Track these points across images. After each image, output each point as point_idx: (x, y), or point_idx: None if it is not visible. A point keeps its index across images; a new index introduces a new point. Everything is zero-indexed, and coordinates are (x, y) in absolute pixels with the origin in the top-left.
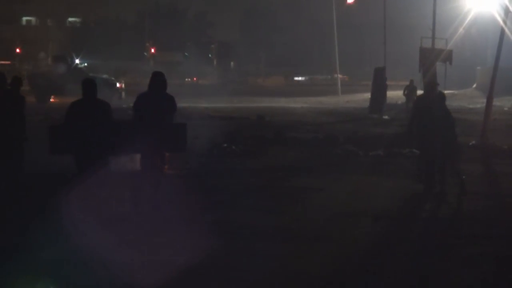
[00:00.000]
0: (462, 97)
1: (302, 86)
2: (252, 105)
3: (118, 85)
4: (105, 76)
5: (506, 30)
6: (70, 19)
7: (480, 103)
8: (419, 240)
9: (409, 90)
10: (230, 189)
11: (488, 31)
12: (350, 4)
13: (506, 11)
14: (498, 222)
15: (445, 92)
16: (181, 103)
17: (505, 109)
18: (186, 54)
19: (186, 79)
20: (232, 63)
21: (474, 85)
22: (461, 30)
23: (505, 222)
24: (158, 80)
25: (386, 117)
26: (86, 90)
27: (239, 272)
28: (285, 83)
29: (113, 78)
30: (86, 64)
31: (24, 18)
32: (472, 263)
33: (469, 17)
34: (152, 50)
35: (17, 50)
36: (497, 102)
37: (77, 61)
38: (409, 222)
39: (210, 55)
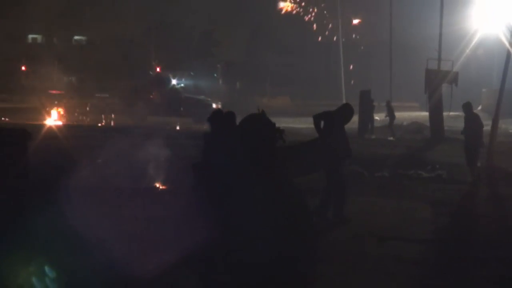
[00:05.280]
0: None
1: (308, 106)
2: None
3: (214, 106)
4: (202, 97)
5: None
6: (76, 37)
7: (485, 125)
8: (424, 262)
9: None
10: None
11: (494, 53)
12: (356, 25)
13: None
14: (504, 244)
15: (451, 114)
16: None
17: (511, 131)
18: (191, 73)
19: None
20: (238, 83)
21: (480, 107)
22: (467, 51)
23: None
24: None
25: (391, 138)
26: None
27: None
28: (291, 104)
29: (209, 99)
30: (183, 84)
31: (30, 36)
32: (478, 286)
33: (475, 38)
34: (158, 69)
35: (23, 68)
36: (502, 124)
37: (174, 81)
38: (415, 244)
39: (215, 75)
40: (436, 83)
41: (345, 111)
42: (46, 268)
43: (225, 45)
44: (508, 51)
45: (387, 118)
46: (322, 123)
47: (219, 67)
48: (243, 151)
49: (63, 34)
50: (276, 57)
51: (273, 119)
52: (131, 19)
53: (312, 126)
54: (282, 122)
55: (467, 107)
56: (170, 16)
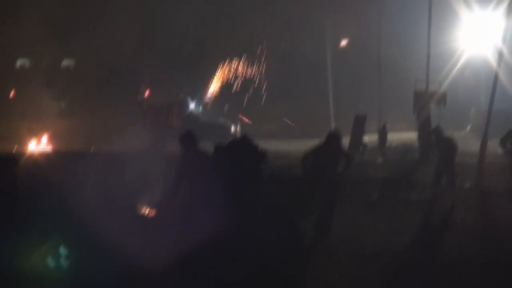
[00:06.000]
0: (456, 140)
1: (296, 128)
2: None
3: (232, 129)
4: (221, 119)
5: (500, 73)
6: (65, 61)
7: (474, 145)
8: (412, 283)
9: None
10: None
11: (481, 73)
12: (344, 47)
13: (500, 53)
14: (495, 266)
15: None
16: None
17: (499, 152)
18: (181, 96)
19: None
20: (226, 105)
21: (468, 127)
22: (454, 72)
23: (501, 266)
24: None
25: (380, 160)
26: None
27: None
28: (280, 125)
29: (228, 122)
30: (201, 108)
31: (18, 62)
32: None
33: (463, 59)
34: (146, 93)
35: (11, 93)
36: (491, 144)
37: (192, 105)
38: (403, 265)
39: (180, 97)
40: (424, 103)
41: (330, 141)
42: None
43: (213, 67)
44: (496, 73)
45: (378, 140)
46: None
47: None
48: (227, 174)
49: (52, 58)
50: (264, 77)
51: (262, 142)
52: (120, 42)
53: (301, 147)
54: (271, 145)
55: (438, 131)
56: (161, 37)
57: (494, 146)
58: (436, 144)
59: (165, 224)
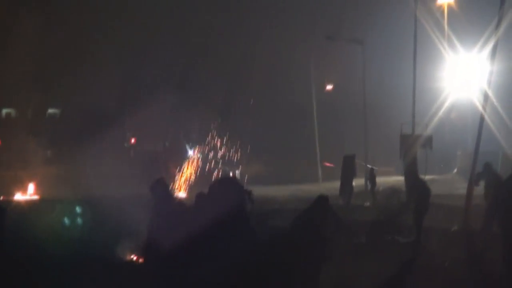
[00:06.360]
0: (443, 182)
1: (282, 173)
2: None
3: (231, 174)
4: (219, 166)
5: (485, 115)
6: (50, 110)
7: (461, 188)
8: None
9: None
10: None
11: (467, 115)
12: (329, 91)
13: (485, 96)
14: None
15: (426, 177)
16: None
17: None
18: (166, 143)
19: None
20: (211, 152)
21: (455, 170)
22: (440, 114)
23: None
24: None
25: (367, 204)
26: None
27: None
28: (265, 170)
29: (226, 168)
30: (200, 155)
31: (4, 111)
32: None
33: (448, 101)
34: (132, 140)
35: None
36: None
37: (190, 152)
38: None
39: (190, 144)
40: (410, 147)
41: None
42: None
43: (197, 112)
44: (481, 115)
45: (367, 183)
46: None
47: (192, 136)
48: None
49: (37, 107)
50: (248, 122)
51: (247, 187)
52: (106, 89)
53: (288, 193)
54: (257, 191)
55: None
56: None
57: (481, 188)
58: (411, 187)
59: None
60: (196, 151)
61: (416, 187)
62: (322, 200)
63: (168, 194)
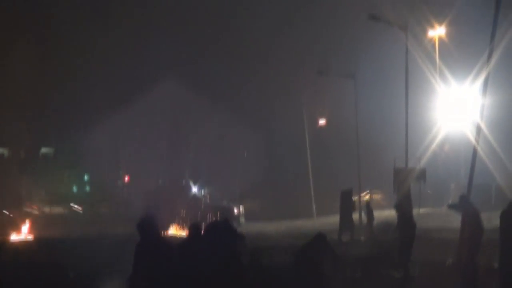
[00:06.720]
0: (437, 216)
1: (277, 209)
2: None
3: (235, 211)
4: (224, 202)
5: (479, 148)
6: (43, 149)
7: (455, 221)
8: None
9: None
10: None
11: (460, 148)
12: (321, 126)
13: (478, 128)
14: None
15: (420, 211)
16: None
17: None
18: (160, 181)
19: None
20: (206, 190)
21: (449, 202)
22: (433, 146)
23: None
24: None
25: (362, 238)
26: None
27: None
28: (258, 205)
29: (230, 204)
30: (204, 192)
31: None
32: None
33: (441, 134)
34: (126, 178)
35: None
36: None
37: (194, 189)
38: None
39: (183, 181)
40: (404, 181)
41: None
42: None
43: (192, 149)
44: (474, 148)
45: (365, 218)
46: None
47: (186, 175)
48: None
49: (30, 146)
50: (242, 158)
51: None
52: (98, 127)
53: (282, 228)
54: (251, 227)
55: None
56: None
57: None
58: (398, 222)
59: None
60: (199, 187)
61: (403, 219)
62: (320, 238)
63: (155, 233)
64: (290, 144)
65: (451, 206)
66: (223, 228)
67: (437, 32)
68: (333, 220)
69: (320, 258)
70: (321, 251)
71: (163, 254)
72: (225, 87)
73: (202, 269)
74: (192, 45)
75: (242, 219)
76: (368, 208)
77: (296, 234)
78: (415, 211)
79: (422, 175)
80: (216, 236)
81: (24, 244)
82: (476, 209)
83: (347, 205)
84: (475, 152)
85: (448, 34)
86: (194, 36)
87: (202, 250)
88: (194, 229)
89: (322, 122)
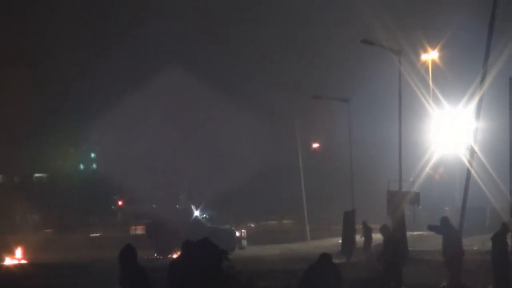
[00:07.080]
0: (431, 239)
1: (271, 232)
2: None
3: (237, 234)
4: (226, 226)
5: (472, 171)
6: (36, 175)
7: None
8: None
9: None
10: None
11: (455, 171)
12: (315, 149)
13: (472, 152)
14: None
15: (414, 234)
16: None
17: (475, 248)
18: (153, 205)
19: None
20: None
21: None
22: (427, 169)
23: None
24: None
25: (355, 260)
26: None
27: None
28: (254, 230)
29: (233, 228)
30: (206, 215)
31: None
32: None
33: (435, 157)
34: (120, 203)
35: None
36: (466, 241)
37: (197, 212)
38: None
39: (177, 206)
40: (398, 204)
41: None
42: None
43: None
44: (468, 171)
45: (362, 238)
46: None
47: (181, 198)
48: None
49: (23, 172)
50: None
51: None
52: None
53: (277, 252)
54: (246, 251)
55: (385, 230)
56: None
57: (470, 243)
58: (384, 244)
59: None
60: (201, 211)
61: (391, 241)
62: (326, 258)
63: (133, 265)
64: (283, 169)
65: (431, 227)
66: (204, 245)
67: (431, 55)
68: (328, 243)
69: (325, 278)
70: (327, 271)
71: (141, 284)
72: (216, 112)
73: (188, 283)
74: (183, 76)
75: (245, 242)
76: (367, 229)
77: (291, 258)
78: (409, 234)
79: (416, 199)
80: (198, 253)
81: (18, 268)
82: (457, 231)
83: (350, 226)
84: (468, 175)
85: (442, 57)
86: (186, 67)
87: (187, 267)
88: (185, 247)
89: (315, 145)
